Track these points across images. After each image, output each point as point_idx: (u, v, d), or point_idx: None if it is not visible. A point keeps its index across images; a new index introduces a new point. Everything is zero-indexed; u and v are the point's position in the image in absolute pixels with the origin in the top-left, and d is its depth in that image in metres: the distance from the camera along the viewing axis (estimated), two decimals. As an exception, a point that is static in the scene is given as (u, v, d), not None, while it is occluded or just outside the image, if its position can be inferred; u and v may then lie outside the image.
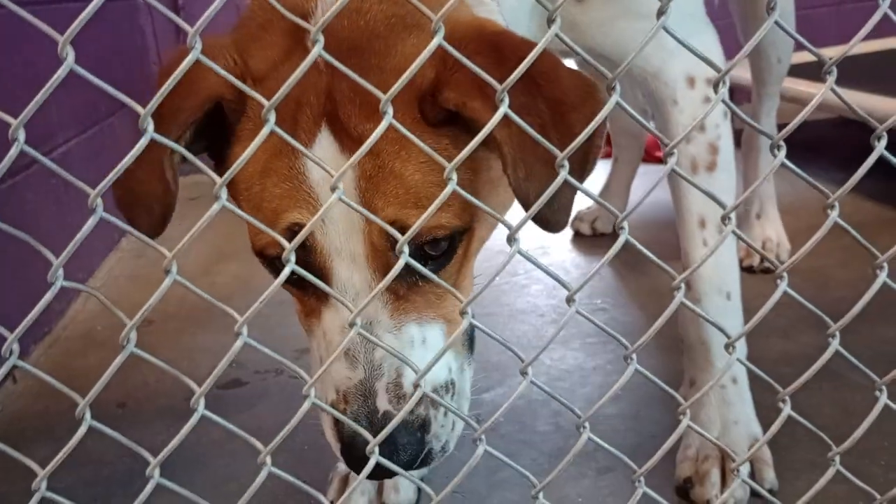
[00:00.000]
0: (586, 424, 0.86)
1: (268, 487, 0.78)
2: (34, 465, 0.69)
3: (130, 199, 0.90)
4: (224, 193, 0.66)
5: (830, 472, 0.99)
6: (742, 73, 2.39)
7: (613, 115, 0.92)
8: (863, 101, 2.33)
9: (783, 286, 0.87)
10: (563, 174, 0.75)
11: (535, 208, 0.78)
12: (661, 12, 0.74)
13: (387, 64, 0.90)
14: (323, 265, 0.90)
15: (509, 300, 2.10)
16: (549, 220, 0.86)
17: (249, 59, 0.92)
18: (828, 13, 3.55)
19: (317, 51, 0.65)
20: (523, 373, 0.82)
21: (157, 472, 0.73)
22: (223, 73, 0.66)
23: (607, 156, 2.61)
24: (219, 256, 2.53)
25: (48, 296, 0.64)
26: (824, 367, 0.91)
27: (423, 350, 0.93)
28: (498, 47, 0.86)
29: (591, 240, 2.51)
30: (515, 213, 0.87)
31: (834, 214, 0.86)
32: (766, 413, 1.30)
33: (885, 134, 0.86)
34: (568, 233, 2.55)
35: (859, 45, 0.81)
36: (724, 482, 1.26)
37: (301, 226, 0.88)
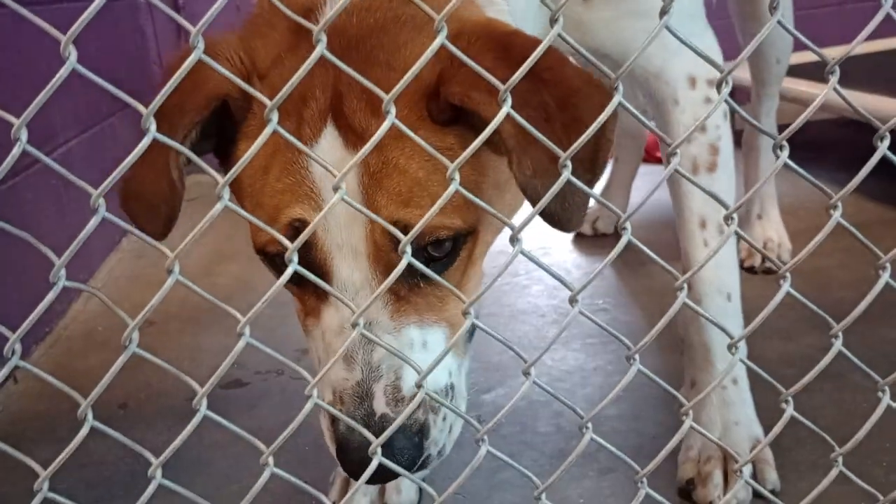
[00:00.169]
0: (589, 425, 0.86)
1: (269, 488, 0.78)
2: (36, 466, 0.69)
3: (135, 200, 0.89)
4: (227, 193, 0.66)
5: (833, 473, 0.98)
6: (741, 73, 2.39)
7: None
8: (865, 102, 2.33)
9: (786, 287, 0.87)
10: (566, 174, 0.75)
11: (541, 205, 0.78)
12: (663, 12, 0.74)
13: (395, 60, 0.90)
14: (324, 262, 0.89)
15: (510, 301, 2.10)
16: (561, 218, 0.84)
17: (256, 56, 0.92)
18: (830, 13, 3.55)
19: (319, 50, 0.65)
20: (526, 373, 0.81)
21: (159, 473, 0.73)
22: (226, 72, 0.66)
23: (607, 156, 2.60)
24: (220, 257, 2.53)
25: (50, 296, 0.63)
26: (826, 367, 0.91)
27: (423, 353, 0.92)
28: (506, 46, 0.86)
29: (592, 240, 2.50)
30: (519, 215, 0.87)
31: (837, 215, 0.86)
32: (767, 414, 1.30)
33: (887, 134, 0.86)
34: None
35: (862, 46, 0.81)
36: (726, 483, 1.26)
37: (302, 221, 0.88)
